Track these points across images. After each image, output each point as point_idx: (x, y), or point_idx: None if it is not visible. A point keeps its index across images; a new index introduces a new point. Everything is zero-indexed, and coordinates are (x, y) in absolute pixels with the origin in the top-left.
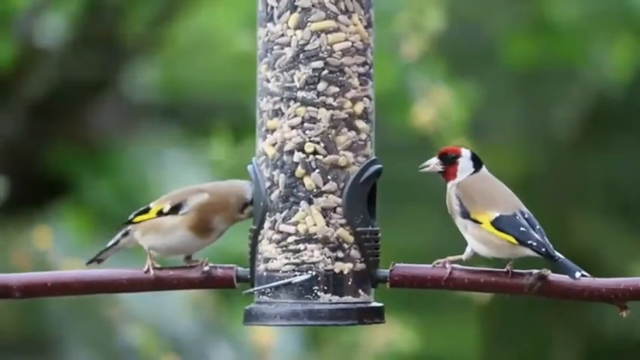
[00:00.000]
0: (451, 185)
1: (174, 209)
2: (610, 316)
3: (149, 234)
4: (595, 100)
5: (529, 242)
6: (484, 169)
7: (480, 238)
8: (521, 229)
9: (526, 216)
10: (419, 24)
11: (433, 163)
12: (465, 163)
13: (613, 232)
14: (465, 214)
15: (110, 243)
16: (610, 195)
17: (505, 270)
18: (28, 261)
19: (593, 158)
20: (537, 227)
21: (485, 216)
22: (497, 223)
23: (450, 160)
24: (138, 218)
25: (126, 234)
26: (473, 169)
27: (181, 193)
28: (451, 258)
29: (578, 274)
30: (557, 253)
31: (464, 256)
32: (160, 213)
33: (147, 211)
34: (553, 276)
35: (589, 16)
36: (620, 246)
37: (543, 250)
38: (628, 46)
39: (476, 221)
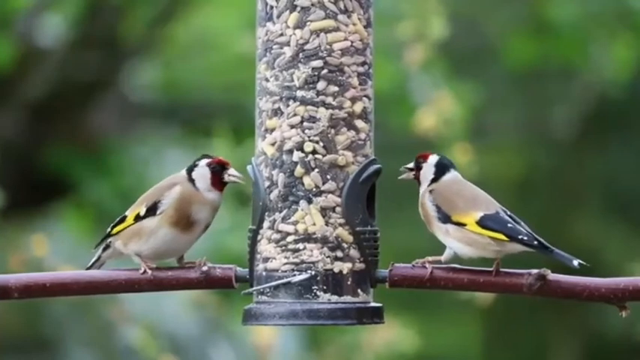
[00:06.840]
0: (423, 192)
1: (151, 210)
2: (610, 317)
3: (132, 241)
4: (595, 100)
5: (519, 237)
6: (454, 173)
7: (464, 240)
8: (509, 225)
9: (509, 213)
10: (423, 33)
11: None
12: (426, 170)
13: (613, 232)
14: (445, 219)
15: (92, 260)
16: (610, 195)
17: (491, 270)
18: (25, 266)
19: (592, 158)
20: (522, 224)
21: (469, 217)
22: (483, 222)
23: (418, 166)
24: (116, 229)
25: (107, 247)
26: (432, 177)
27: (154, 192)
28: (430, 258)
29: (575, 263)
30: (550, 246)
31: (443, 258)
32: (138, 217)
33: (123, 219)
34: (553, 276)
35: (589, 16)
36: (620, 246)
37: (535, 242)
38: (628, 46)
39: (459, 224)
